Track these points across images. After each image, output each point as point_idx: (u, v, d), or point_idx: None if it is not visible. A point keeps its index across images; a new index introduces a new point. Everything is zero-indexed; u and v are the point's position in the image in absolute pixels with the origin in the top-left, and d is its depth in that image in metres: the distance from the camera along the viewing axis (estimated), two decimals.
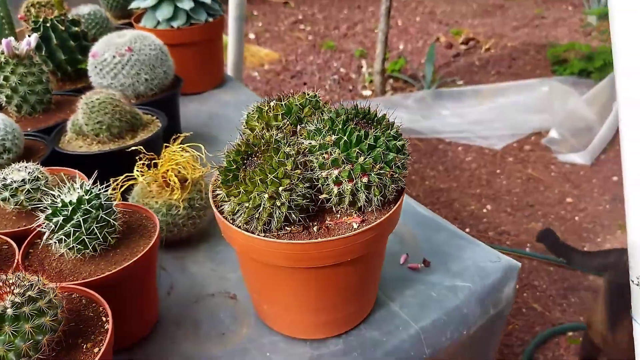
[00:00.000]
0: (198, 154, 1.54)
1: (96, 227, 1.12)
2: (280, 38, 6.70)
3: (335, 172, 1.04)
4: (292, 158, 1.04)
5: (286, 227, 1.08)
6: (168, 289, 1.46)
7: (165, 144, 1.54)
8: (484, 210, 4.11)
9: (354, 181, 1.04)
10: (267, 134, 1.08)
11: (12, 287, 0.87)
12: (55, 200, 1.12)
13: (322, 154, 1.05)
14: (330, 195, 1.07)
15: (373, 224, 1.07)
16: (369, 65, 5.81)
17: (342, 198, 1.07)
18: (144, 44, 1.90)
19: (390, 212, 1.11)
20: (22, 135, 1.59)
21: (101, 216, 1.13)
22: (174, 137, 1.58)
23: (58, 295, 0.93)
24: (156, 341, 1.29)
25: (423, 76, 5.40)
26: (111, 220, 1.15)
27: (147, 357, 1.25)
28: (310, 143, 1.07)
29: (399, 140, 1.07)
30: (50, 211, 1.11)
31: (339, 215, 1.13)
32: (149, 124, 1.78)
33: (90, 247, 1.13)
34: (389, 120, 1.12)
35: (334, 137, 1.04)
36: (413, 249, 1.56)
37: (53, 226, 1.10)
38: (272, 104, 1.19)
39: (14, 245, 1.19)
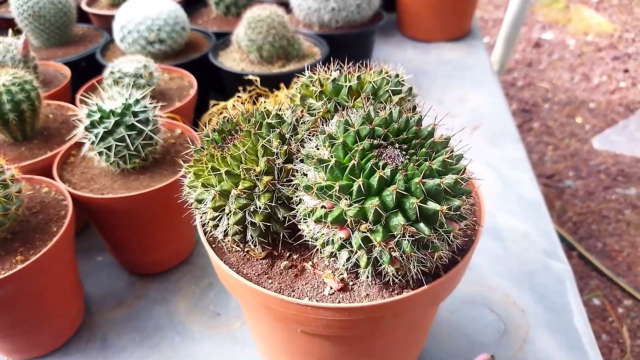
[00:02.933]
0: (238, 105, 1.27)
1: (116, 145, 1.02)
2: (629, 9, 5.33)
3: (311, 203, 0.66)
4: (267, 157, 0.70)
5: (247, 245, 0.77)
6: None
7: (284, 85, 1.32)
8: None
9: (330, 230, 0.65)
10: (271, 111, 0.75)
11: None
12: (96, 103, 1.04)
13: (307, 169, 0.67)
14: (305, 232, 0.70)
15: (339, 305, 0.67)
16: None
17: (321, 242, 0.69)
18: None
19: (385, 301, 0.67)
20: (185, 31, 1.57)
21: (124, 136, 1.02)
22: (296, 78, 1.34)
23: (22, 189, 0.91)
24: (162, 282, 1.18)
25: None
26: (135, 144, 1.03)
27: (137, 295, 1.16)
28: (310, 148, 0.70)
29: (447, 200, 0.61)
30: (86, 112, 1.04)
31: (327, 263, 0.75)
32: (308, 57, 1.56)
33: (107, 162, 1.05)
34: (453, 156, 0.65)
35: (327, 152, 0.65)
36: (510, 355, 1.01)
37: (82, 127, 1.04)
38: (328, 75, 0.82)
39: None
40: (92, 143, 1.03)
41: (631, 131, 3.82)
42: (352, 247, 0.64)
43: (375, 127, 0.65)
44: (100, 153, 1.05)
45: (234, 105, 1.28)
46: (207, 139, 0.77)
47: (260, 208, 0.70)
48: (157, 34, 1.50)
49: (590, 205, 3.34)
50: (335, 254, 0.68)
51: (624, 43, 4.80)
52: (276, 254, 0.77)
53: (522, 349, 1.02)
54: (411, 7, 2.10)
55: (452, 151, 0.66)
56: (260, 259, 0.76)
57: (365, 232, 0.61)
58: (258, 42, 1.48)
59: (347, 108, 0.77)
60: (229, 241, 0.78)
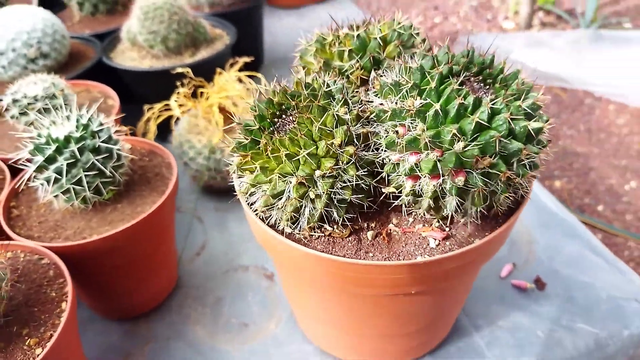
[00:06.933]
0: (257, 86, 1.19)
1: (85, 175, 0.84)
2: None
3: (412, 159, 0.63)
4: (345, 127, 0.65)
5: (325, 227, 0.71)
6: (199, 248, 1.19)
7: (219, 70, 1.21)
8: (627, 188, 3.36)
9: (441, 179, 0.63)
10: (317, 80, 0.69)
11: None
12: (40, 134, 0.85)
13: (396, 126, 0.64)
14: (400, 193, 0.67)
15: (461, 250, 0.66)
16: None
17: (418, 199, 0.67)
18: None
19: (495, 233, 0.69)
20: (66, 39, 1.34)
21: (93, 162, 0.85)
22: (231, 61, 1.24)
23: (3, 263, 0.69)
24: (164, 316, 1.04)
25: (582, 13, 4.44)
26: (108, 169, 0.86)
27: (144, 339, 1.00)
28: (381, 105, 0.66)
29: (534, 121, 0.63)
30: (32, 147, 0.84)
31: (411, 219, 0.73)
32: (216, 40, 1.45)
33: (77, 200, 0.86)
34: (522, 82, 0.67)
35: (418, 101, 0.62)
36: (525, 258, 1.11)
37: (34, 167, 0.84)
38: (340, 33, 0.78)
39: (8, 176, 0.96)
40: (56, 182, 0.84)
41: None
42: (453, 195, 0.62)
43: (457, 58, 0.64)
44: (65, 192, 0.86)
45: (177, 103, 1.14)
46: (250, 128, 0.68)
47: (349, 182, 0.65)
48: (37, 48, 1.25)
49: None
50: (437, 204, 0.66)
51: None
52: (357, 228, 0.73)
53: (532, 251, 1.12)
54: None
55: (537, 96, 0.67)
56: (345, 237, 0.71)
57: (485, 168, 0.61)
58: (162, 33, 1.33)
59: (385, 61, 0.74)
60: (303, 231, 0.71)
